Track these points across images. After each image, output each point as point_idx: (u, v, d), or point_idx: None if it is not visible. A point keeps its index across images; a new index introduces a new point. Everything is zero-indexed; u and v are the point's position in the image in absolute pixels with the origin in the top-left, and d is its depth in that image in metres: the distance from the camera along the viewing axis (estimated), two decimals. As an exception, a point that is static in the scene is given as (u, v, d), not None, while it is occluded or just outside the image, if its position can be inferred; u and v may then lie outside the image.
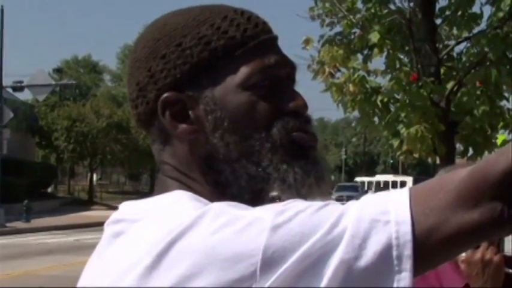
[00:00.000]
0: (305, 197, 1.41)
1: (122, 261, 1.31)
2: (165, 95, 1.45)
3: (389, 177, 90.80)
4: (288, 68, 1.49)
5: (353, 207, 1.26)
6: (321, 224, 1.23)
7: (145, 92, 1.48)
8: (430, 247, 1.23)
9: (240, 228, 1.24)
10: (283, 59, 1.49)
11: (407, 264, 1.21)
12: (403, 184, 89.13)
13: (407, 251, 1.20)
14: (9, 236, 28.70)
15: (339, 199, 41.94)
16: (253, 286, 1.21)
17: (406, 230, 1.21)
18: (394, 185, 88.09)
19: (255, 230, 1.23)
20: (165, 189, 1.46)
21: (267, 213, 1.25)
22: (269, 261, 1.20)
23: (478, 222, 1.22)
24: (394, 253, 1.21)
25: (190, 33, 1.46)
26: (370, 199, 1.28)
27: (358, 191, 58.42)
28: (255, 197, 1.45)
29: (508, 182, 1.21)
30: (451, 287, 2.94)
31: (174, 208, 1.35)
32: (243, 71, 1.44)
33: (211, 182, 1.46)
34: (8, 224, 31.45)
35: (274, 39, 1.52)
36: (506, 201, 1.21)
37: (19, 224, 32.49)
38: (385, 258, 1.21)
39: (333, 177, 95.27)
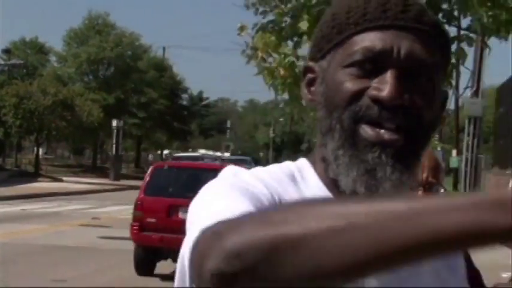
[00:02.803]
0: (349, 188, 1.31)
1: None
2: (306, 63, 1.44)
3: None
4: (395, 57, 1.30)
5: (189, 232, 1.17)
6: None
7: (308, 56, 1.46)
8: None
9: None
10: (391, 47, 1.31)
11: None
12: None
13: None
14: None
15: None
16: None
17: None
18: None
19: None
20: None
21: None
22: None
23: None
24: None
25: (342, 6, 1.38)
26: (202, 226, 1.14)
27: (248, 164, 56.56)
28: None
29: None
30: None
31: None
32: (350, 49, 1.33)
33: (320, 154, 1.40)
34: (-42, 194, 31.01)
35: (402, 27, 1.32)
36: None
37: (-31, 194, 32.03)
38: None
39: (261, 154, 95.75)
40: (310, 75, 1.41)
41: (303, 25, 12.81)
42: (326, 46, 1.37)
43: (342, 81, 1.32)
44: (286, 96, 13.55)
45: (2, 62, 42.07)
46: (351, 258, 0.97)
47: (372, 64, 1.31)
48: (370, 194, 1.29)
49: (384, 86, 1.29)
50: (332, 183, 1.36)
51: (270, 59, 13.10)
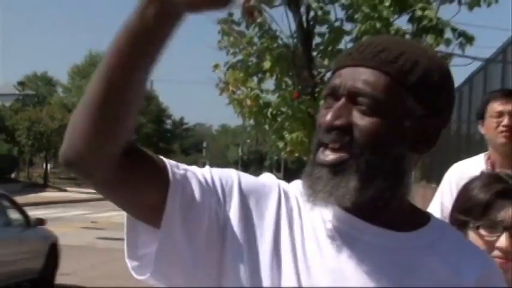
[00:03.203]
0: (308, 194, 1.30)
1: None
2: None
3: None
4: (341, 90, 1.30)
5: None
6: None
7: None
8: None
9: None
10: (341, 82, 1.31)
11: None
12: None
13: None
14: (-20, 211, 27.85)
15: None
16: None
17: None
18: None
19: None
20: None
21: None
22: None
23: None
24: None
25: None
26: None
27: None
28: None
29: None
30: None
31: None
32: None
33: None
34: (-21, 202, 30.54)
35: (355, 65, 1.31)
36: None
37: (-12, 202, 31.58)
38: None
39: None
40: None
41: (266, 64, 12.79)
42: None
43: (320, 111, 1.34)
44: (252, 122, 13.51)
45: (17, 92, 41.97)
46: (97, 95, 1.16)
47: (331, 97, 1.32)
48: (313, 199, 1.29)
49: (326, 114, 1.29)
50: None
51: (239, 92, 13.09)
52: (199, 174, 1.32)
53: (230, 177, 1.33)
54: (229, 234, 1.28)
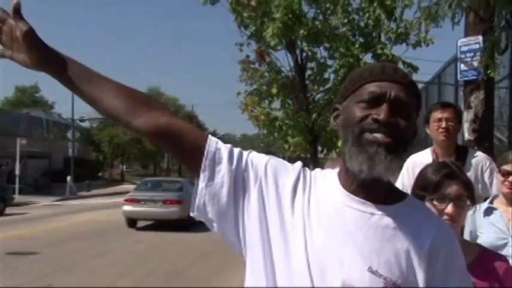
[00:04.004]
0: (354, 168, 1.25)
1: None
2: (334, 105, 1.37)
3: None
4: (387, 97, 1.26)
5: None
6: None
7: (336, 101, 1.39)
8: None
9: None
10: (386, 91, 1.26)
11: None
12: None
13: None
14: (78, 199, 28.08)
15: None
16: None
17: None
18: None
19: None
20: None
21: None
22: None
23: None
24: None
25: (356, 71, 1.35)
26: None
27: None
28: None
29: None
30: None
31: None
32: (361, 92, 1.28)
33: (342, 168, 1.33)
34: (78, 193, 30.79)
35: (392, 81, 1.28)
36: None
37: (84, 193, 31.81)
38: None
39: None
40: (336, 112, 1.35)
41: (274, 90, 12.83)
42: (346, 93, 1.33)
43: (355, 111, 1.28)
44: (265, 131, 13.52)
45: (101, 117, 43.01)
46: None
47: (373, 101, 1.27)
48: (369, 172, 1.24)
49: (381, 112, 1.24)
50: (345, 185, 1.30)
51: (255, 110, 13.15)
52: (232, 148, 1.38)
53: (263, 156, 1.38)
54: (252, 193, 1.31)
